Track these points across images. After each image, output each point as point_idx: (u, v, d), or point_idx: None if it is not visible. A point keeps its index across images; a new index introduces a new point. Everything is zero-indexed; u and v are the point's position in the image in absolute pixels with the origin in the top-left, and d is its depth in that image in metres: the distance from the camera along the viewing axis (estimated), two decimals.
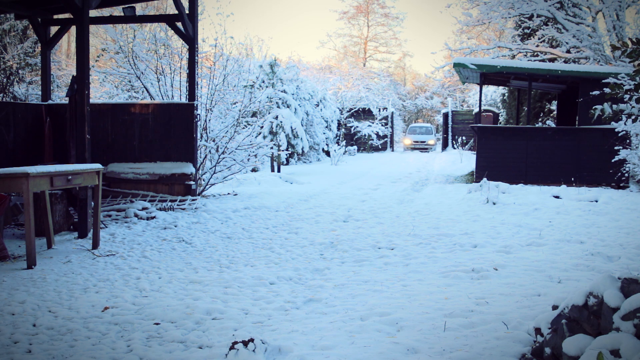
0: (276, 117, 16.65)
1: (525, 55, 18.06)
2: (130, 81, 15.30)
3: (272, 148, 14.47)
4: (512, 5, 16.07)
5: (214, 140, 10.47)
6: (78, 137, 6.96)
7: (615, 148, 10.41)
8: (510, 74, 13.12)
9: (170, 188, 8.84)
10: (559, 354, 2.58)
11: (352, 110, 29.12)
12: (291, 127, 16.57)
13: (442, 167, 17.71)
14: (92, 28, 17.03)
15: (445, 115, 29.91)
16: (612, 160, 10.54)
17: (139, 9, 12.86)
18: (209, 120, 10.69)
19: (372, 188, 12.34)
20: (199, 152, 9.70)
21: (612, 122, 10.09)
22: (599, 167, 11.30)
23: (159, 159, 9.03)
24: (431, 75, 27.45)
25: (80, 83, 6.94)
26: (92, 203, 6.64)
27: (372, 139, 29.33)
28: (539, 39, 17.73)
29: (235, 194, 10.75)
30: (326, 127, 23.60)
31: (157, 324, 3.78)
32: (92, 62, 15.97)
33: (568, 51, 16.49)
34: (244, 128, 11.85)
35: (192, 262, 5.60)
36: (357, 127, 29.06)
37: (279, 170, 16.00)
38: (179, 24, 9.34)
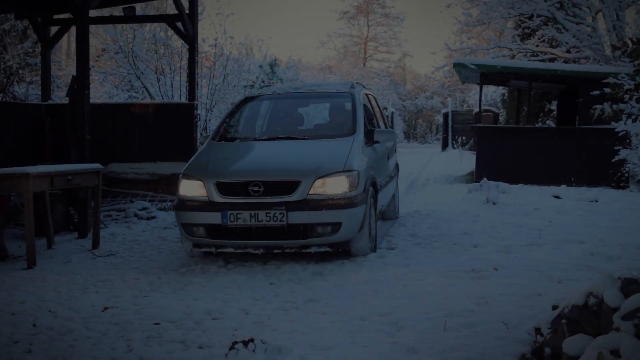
0: None
1: (525, 55, 18.06)
2: (130, 81, 15.30)
3: None
4: (512, 5, 16.06)
5: None
6: (78, 137, 6.96)
7: (615, 148, 10.40)
8: (510, 74, 13.11)
9: (170, 188, 8.81)
10: (559, 354, 2.58)
11: None
12: None
13: (442, 167, 17.70)
14: (92, 28, 17.03)
15: (445, 115, 29.87)
16: (612, 160, 10.53)
17: (139, 9, 12.85)
18: (209, 120, 10.70)
19: None
20: None
21: (612, 122, 10.08)
22: (599, 167, 11.28)
23: (159, 159, 9.02)
24: (431, 75, 27.54)
25: (80, 83, 6.94)
26: (92, 203, 6.64)
27: None
28: (539, 39, 17.72)
29: None
30: None
31: (157, 324, 3.78)
32: (92, 62, 15.96)
33: (568, 51, 16.48)
34: None
35: (191, 262, 5.60)
36: None
37: None
38: (179, 24, 9.33)
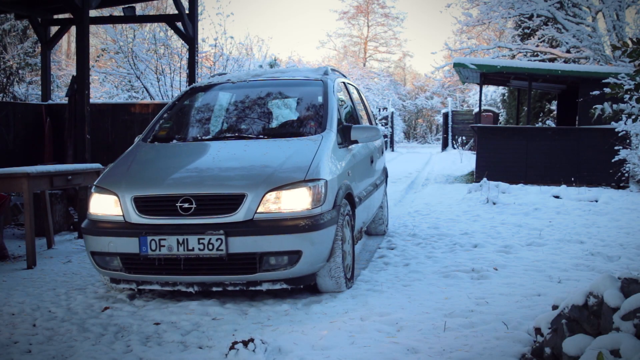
0: None
1: (525, 55, 18.07)
2: (130, 81, 15.32)
3: None
4: (512, 5, 16.07)
5: None
6: (78, 137, 6.97)
7: (615, 148, 10.41)
8: (510, 74, 13.12)
9: None
10: (559, 354, 2.58)
11: None
12: None
13: (442, 167, 17.72)
14: (92, 28, 17.06)
15: (445, 115, 29.90)
16: (612, 160, 10.55)
17: (139, 9, 12.86)
18: None
19: None
20: None
21: (612, 122, 10.09)
22: (599, 167, 11.29)
23: None
24: (431, 75, 27.47)
25: (80, 83, 6.95)
26: None
27: None
28: (539, 39, 17.74)
29: None
30: None
31: (156, 324, 3.77)
32: (92, 62, 15.96)
33: (568, 51, 16.49)
34: None
35: None
36: None
37: None
38: (179, 24, 9.35)
